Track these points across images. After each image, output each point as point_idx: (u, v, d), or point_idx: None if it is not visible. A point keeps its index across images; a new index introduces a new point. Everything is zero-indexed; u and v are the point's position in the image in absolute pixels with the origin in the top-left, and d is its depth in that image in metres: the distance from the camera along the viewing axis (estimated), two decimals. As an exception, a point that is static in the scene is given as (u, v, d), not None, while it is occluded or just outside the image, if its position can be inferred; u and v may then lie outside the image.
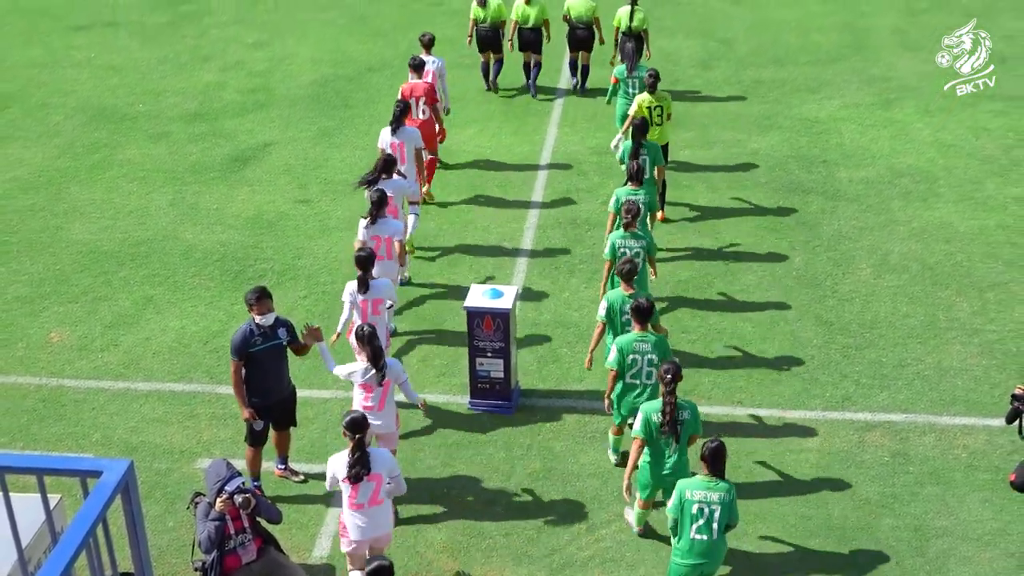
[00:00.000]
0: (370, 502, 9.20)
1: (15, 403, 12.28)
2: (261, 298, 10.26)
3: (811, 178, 16.57)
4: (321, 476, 11.04)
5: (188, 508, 9.47)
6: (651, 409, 9.67)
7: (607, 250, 12.06)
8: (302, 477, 11.11)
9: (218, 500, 8.78)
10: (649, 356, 10.36)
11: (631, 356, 10.40)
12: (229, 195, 16.43)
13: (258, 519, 9.15)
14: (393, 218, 12.61)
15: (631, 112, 15.02)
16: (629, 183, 13.01)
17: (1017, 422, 10.83)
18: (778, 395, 12.19)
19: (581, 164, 17.08)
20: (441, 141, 16.16)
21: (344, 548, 9.43)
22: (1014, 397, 10.72)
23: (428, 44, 16.68)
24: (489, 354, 11.77)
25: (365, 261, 11.25)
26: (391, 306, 12.05)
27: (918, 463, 11.20)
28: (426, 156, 15.18)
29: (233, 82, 20.30)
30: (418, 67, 15.76)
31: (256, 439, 10.64)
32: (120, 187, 16.72)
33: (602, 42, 18.93)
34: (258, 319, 10.27)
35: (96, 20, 23.38)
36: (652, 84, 14.89)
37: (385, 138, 14.28)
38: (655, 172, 13.93)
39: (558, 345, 13.04)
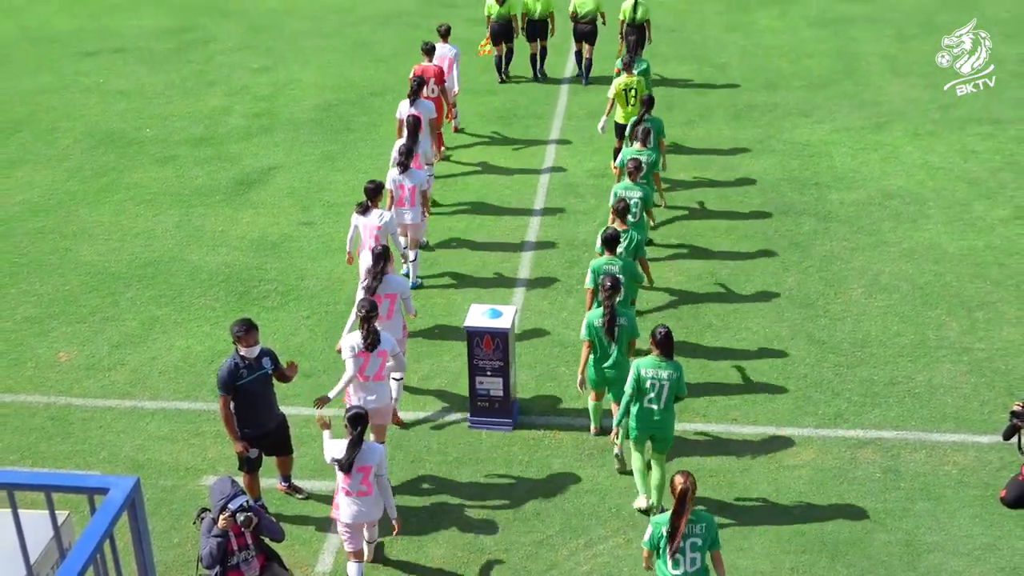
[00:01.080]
0: (375, 376, 10.61)
1: (24, 421, 12.28)
2: (249, 331, 10.12)
3: (803, 200, 16.61)
4: (324, 491, 11.05)
5: (194, 523, 9.47)
6: (594, 315, 11.10)
7: (612, 199, 13.55)
8: (305, 494, 11.08)
9: (220, 518, 8.78)
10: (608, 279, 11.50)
11: (602, 276, 11.56)
12: (234, 217, 16.46)
13: (261, 536, 9.14)
14: (417, 170, 14.22)
15: (610, 94, 16.50)
16: (635, 144, 14.64)
17: (1016, 438, 10.81)
18: (772, 413, 12.19)
19: (578, 187, 17.11)
20: (449, 119, 17.74)
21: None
22: (1013, 414, 10.71)
23: (445, 34, 18.15)
24: (489, 373, 11.77)
25: (372, 191, 12.96)
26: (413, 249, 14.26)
27: (909, 479, 11.19)
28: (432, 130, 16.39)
29: (238, 107, 20.37)
30: (429, 51, 17.22)
31: (251, 466, 10.57)
32: (127, 210, 16.75)
33: (604, 23, 20.56)
34: (243, 351, 10.15)
35: (104, 47, 23.47)
36: (627, 66, 16.46)
37: (403, 109, 15.64)
38: (658, 141, 15.18)
39: (556, 364, 13.04)
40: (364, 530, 9.98)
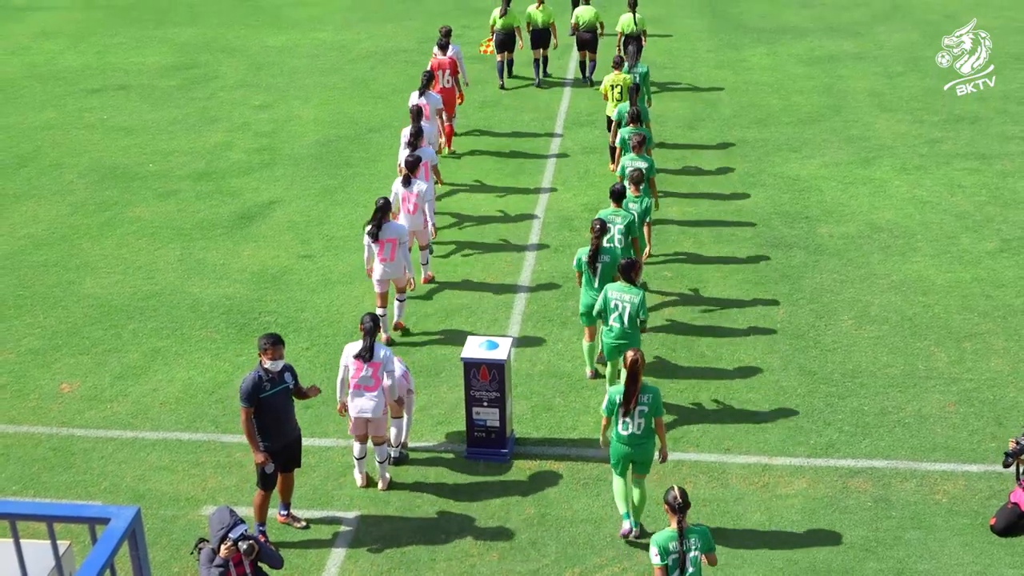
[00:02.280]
0: (391, 256, 13.44)
1: (27, 452, 12.22)
2: (275, 344, 10.32)
3: (794, 233, 16.64)
4: (323, 520, 11.00)
5: (192, 553, 9.40)
6: (583, 252, 12.79)
7: (618, 170, 15.25)
8: (304, 523, 11.02)
9: (222, 547, 8.72)
10: (618, 226, 13.34)
11: (593, 220, 13.10)
12: (235, 251, 16.46)
13: (260, 565, 9.08)
14: (426, 147, 15.94)
15: (602, 88, 18.42)
16: (631, 124, 16.15)
17: (1016, 467, 10.86)
18: (764, 443, 12.16)
19: (573, 220, 17.14)
20: (460, 103, 19.73)
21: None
22: (1007, 455, 10.78)
23: (447, 34, 19.69)
24: (485, 404, 11.74)
25: (412, 164, 14.75)
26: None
27: (900, 508, 11.15)
28: (445, 120, 18.75)
29: (240, 142, 20.41)
30: (444, 46, 19.36)
31: (267, 483, 10.58)
32: (130, 243, 16.75)
33: (602, 33, 22.67)
34: (268, 364, 10.26)
35: (109, 84, 23.54)
36: (615, 64, 18.20)
37: (414, 99, 17.54)
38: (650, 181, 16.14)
39: (551, 395, 13.02)
40: (370, 438, 11.28)
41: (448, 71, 19.05)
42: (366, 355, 10.95)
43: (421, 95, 17.52)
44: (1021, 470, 10.79)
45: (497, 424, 11.80)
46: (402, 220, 14.54)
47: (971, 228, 16.73)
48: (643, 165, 14.75)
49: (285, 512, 11.04)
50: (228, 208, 17.81)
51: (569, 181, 18.54)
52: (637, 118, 16.24)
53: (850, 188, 18.10)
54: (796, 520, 11.01)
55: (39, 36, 26.86)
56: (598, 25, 22.46)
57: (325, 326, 14.41)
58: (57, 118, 21.75)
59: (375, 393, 11.01)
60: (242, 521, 8.95)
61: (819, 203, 17.59)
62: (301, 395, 10.71)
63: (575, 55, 23.59)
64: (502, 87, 22.79)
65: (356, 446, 11.37)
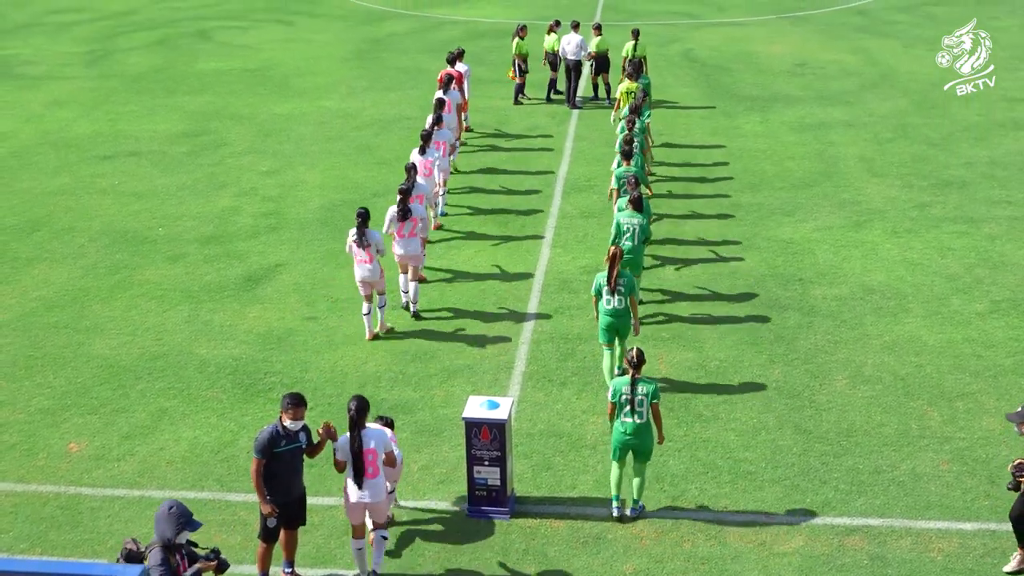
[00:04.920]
0: (409, 233, 15.85)
1: (35, 511, 12.14)
2: (298, 405, 10.43)
3: (788, 295, 16.68)
4: (325, 581, 10.92)
5: (118, 560, 9.01)
6: (622, 203, 16.00)
7: (617, 144, 18.29)
8: (307, 582, 10.96)
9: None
10: (632, 178, 16.26)
11: (622, 180, 16.63)
12: (241, 312, 16.48)
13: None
14: (442, 129, 19.17)
15: (616, 96, 21.81)
16: (628, 112, 19.12)
17: None
18: (761, 501, 12.09)
19: (572, 282, 17.18)
20: (465, 109, 22.77)
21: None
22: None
23: (460, 55, 23.50)
24: (486, 462, 11.69)
25: (426, 136, 18.23)
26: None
27: (896, 566, 11.06)
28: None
29: (247, 207, 20.52)
30: (452, 61, 23.11)
31: (269, 535, 10.60)
32: (139, 305, 16.78)
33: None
34: (288, 423, 10.38)
35: (120, 150, 23.73)
36: (629, 75, 21.84)
37: (438, 95, 20.86)
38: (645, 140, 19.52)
39: (551, 454, 12.96)
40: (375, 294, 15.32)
41: (455, 81, 21.99)
42: (363, 241, 14.85)
43: (445, 93, 20.95)
44: None
45: (498, 483, 11.74)
46: (420, 181, 17.09)
47: (961, 290, 16.77)
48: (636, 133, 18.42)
49: (288, 570, 10.96)
50: (235, 271, 17.87)
51: (568, 244, 18.62)
52: (637, 110, 19.06)
53: (842, 251, 18.17)
54: (793, 578, 10.92)
55: (53, 104, 27.12)
56: (607, 50, 26.25)
57: (329, 386, 14.38)
58: (70, 183, 21.89)
59: (371, 265, 15.00)
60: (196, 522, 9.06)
61: (812, 266, 17.65)
62: (313, 453, 10.76)
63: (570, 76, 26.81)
64: (516, 103, 26.69)
65: (364, 305, 15.46)
